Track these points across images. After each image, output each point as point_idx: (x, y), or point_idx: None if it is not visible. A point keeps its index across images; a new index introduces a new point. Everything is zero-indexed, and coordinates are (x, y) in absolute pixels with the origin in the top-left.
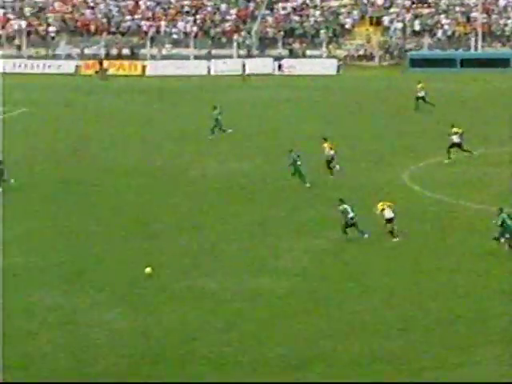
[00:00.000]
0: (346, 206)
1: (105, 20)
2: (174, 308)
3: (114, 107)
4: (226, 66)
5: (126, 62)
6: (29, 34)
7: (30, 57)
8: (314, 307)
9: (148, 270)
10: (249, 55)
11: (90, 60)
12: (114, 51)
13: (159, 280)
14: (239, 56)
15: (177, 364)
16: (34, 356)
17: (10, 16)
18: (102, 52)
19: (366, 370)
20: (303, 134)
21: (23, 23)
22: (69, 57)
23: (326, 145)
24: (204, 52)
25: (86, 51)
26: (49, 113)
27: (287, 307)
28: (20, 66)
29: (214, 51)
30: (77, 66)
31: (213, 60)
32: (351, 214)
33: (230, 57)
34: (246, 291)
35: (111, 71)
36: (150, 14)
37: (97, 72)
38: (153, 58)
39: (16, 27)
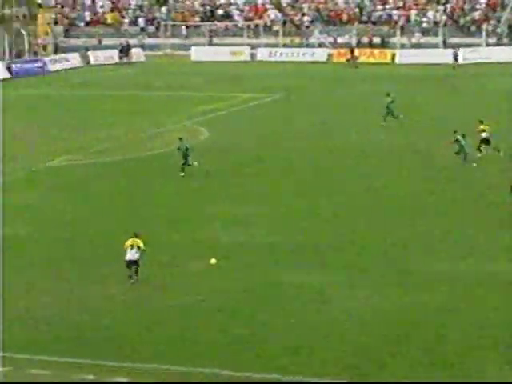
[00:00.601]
0: None
1: (357, 10)
2: (416, 289)
3: (364, 93)
4: (474, 54)
5: (376, 51)
6: (284, 23)
7: (285, 45)
8: None
9: (213, 261)
10: (498, 43)
11: (342, 48)
12: (365, 40)
13: (401, 262)
14: (487, 44)
15: (429, 343)
16: (282, 330)
17: (268, 6)
18: (354, 40)
19: None
20: None
21: (279, 13)
22: (322, 45)
23: (481, 127)
24: (453, 41)
25: (339, 40)
26: (302, 99)
27: None
28: (276, 54)
29: (462, 40)
30: (329, 54)
31: (461, 48)
32: None
33: (479, 45)
34: (482, 276)
35: (362, 59)
36: (400, 4)
37: (348, 60)
38: (402, 46)
39: (273, 17)
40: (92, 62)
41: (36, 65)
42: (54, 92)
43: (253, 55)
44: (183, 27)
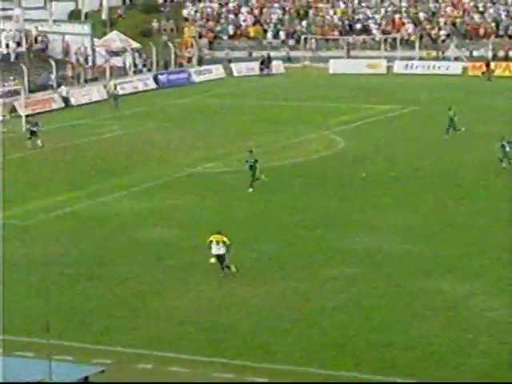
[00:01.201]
0: None
1: (493, 24)
2: None
3: (499, 106)
4: None
5: None
6: (421, 37)
7: (421, 58)
8: None
9: (212, 260)
10: None
11: (478, 62)
12: (501, 53)
13: None
14: None
15: None
16: (413, 337)
17: (405, 20)
18: (490, 54)
19: None
20: None
21: (416, 27)
22: (457, 59)
23: None
24: None
25: (474, 53)
26: (436, 110)
27: None
28: (412, 67)
29: None
30: (464, 67)
31: None
32: None
33: None
34: None
35: (497, 72)
36: None
37: (483, 73)
38: None
39: (410, 31)
40: (235, 73)
41: (181, 76)
42: (197, 102)
43: (389, 68)
44: (315, 40)
